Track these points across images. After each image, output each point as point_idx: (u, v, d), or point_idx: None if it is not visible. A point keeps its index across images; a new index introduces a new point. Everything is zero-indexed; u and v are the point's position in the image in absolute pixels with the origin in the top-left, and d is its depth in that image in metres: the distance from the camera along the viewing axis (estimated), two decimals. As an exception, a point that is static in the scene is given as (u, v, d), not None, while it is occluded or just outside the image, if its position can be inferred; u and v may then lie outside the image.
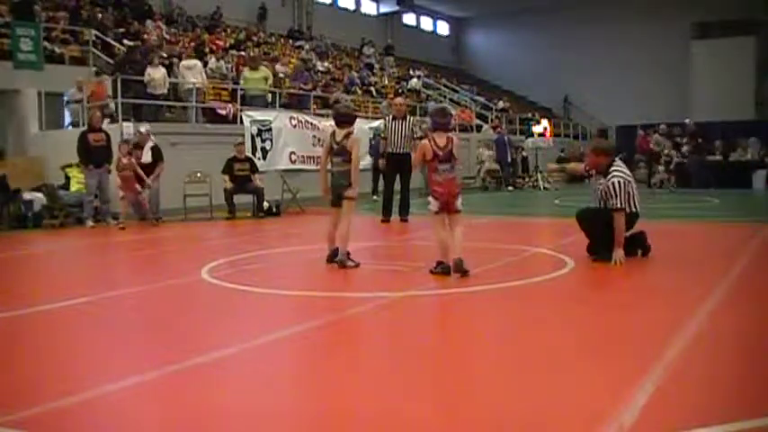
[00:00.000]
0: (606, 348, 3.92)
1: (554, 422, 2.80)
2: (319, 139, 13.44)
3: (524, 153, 22.81)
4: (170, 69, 14.93)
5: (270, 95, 15.83)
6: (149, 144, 11.75)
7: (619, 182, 6.38)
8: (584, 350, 3.87)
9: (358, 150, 6.64)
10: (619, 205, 6.33)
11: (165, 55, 15.67)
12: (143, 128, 11.86)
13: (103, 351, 4.07)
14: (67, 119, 14.31)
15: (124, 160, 11.23)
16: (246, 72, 15.63)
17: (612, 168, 6.53)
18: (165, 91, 13.95)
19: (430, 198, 5.98)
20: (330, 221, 6.71)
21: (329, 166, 6.78)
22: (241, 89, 15.25)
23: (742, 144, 20.36)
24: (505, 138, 21.23)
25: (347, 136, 6.59)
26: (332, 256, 6.62)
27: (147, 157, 11.66)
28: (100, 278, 6.94)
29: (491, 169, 20.95)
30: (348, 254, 6.52)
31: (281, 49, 23.30)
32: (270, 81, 15.62)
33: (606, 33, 31.90)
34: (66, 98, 13.83)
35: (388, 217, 11.01)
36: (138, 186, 11.29)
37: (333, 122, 7.11)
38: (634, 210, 6.54)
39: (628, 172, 6.63)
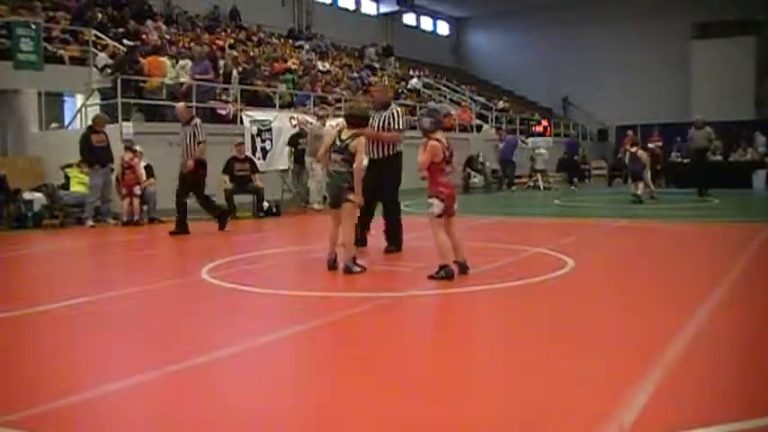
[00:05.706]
0: (606, 348, 3.93)
1: (554, 422, 2.80)
2: None
3: (540, 151, 22.18)
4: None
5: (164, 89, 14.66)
6: (142, 164, 11.85)
7: (398, 110, 7.29)
8: (585, 350, 3.87)
9: (362, 156, 6.30)
10: (399, 127, 7.25)
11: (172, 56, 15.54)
12: (132, 155, 11.75)
13: (103, 351, 4.07)
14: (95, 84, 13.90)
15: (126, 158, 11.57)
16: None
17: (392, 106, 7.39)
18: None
19: (434, 200, 5.77)
20: (332, 223, 6.49)
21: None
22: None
23: (744, 143, 20.30)
24: (518, 140, 21.51)
25: (353, 137, 6.31)
26: (332, 264, 6.43)
27: (143, 177, 11.83)
28: (100, 278, 6.94)
29: (492, 169, 20.85)
30: (354, 258, 6.35)
31: (282, 49, 23.27)
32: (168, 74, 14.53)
33: (606, 33, 31.90)
34: (96, 63, 13.76)
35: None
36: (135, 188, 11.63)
37: (343, 121, 6.86)
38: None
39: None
